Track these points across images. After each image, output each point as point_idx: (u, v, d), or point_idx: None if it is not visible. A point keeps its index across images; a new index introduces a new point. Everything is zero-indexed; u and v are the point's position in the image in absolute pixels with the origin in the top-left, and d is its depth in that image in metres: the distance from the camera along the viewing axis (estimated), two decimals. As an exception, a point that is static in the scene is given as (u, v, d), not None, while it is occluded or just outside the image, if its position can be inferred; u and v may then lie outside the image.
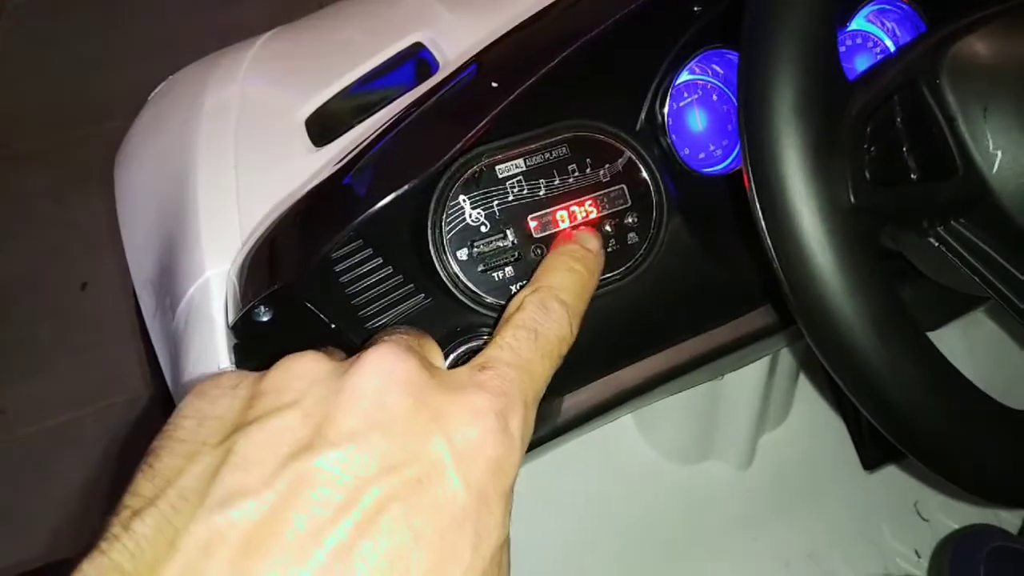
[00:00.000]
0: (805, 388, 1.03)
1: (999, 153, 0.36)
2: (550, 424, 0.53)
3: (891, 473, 1.02)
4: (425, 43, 0.76)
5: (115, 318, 1.49)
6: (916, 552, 0.97)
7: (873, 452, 1.01)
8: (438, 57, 0.74)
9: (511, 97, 0.50)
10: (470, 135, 0.48)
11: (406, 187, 0.47)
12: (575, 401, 0.53)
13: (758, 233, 0.37)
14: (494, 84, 0.52)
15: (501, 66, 0.54)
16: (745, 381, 0.89)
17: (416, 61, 0.75)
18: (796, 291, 0.35)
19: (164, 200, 0.68)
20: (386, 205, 0.48)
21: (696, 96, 0.60)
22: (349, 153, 0.52)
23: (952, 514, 0.98)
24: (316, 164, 0.62)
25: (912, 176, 0.36)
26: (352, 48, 0.80)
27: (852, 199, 0.33)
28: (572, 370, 0.52)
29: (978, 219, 0.37)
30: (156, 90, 0.84)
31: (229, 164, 0.65)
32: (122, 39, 2.07)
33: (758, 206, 0.35)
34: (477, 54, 0.57)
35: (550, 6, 0.61)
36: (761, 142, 0.34)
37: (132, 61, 1.94)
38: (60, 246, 1.67)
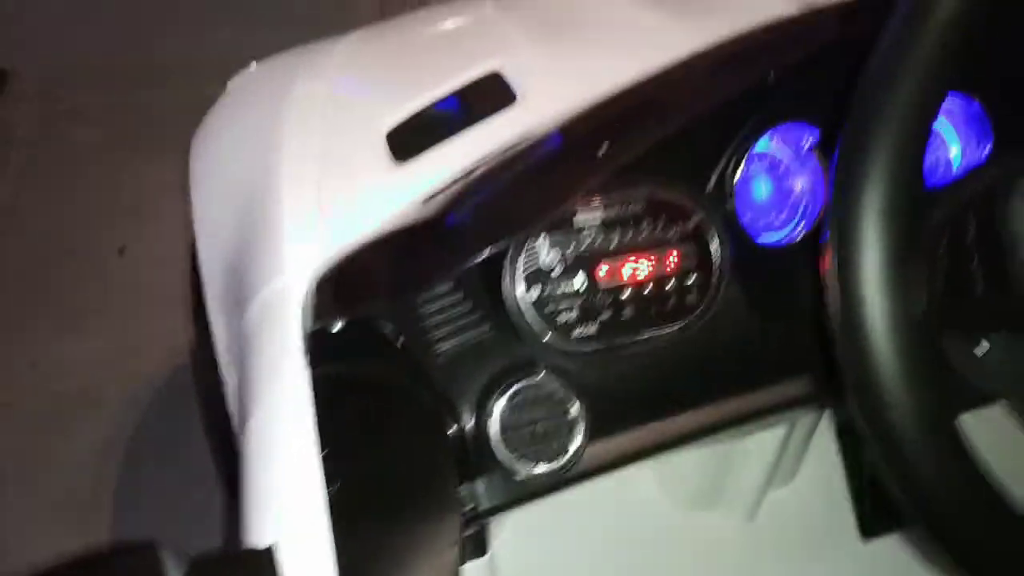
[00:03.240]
0: (814, 448, 1.05)
1: None
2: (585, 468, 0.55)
3: (890, 543, 1.03)
4: (503, 73, 0.78)
5: (149, 287, 1.51)
6: (910, 624, 0.99)
7: (872, 520, 1.03)
8: (514, 88, 0.76)
9: (602, 162, 0.53)
10: (564, 198, 0.51)
11: (503, 243, 0.50)
12: (609, 446, 0.55)
13: (829, 333, 0.39)
14: (591, 152, 0.54)
15: (592, 133, 0.57)
16: (764, 436, 0.91)
17: (494, 89, 0.77)
18: (860, 392, 0.37)
19: (244, 189, 0.70)
20: None
21: (765, 166, 0.63)
22: (441, 191, 0.55)
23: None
24: (397, 180, 0.64)
25: (978, 289, 0.38)
26: (434, 64, 0.82)
27: (925, 309, 0.36)
28: (619, 413, 0.55)
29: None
30: (235, 79, 0.87)
31: (314, 166, 0.67)
32: (189, 4, 2.09)
33: (839, 312, 0.37)
34: (570, 121, 0.59)
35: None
36: (847, 248, 0.36)
37: (197, 26, 1.97)
38: (103, 207, 1.69)
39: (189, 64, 1.75)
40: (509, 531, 0.97)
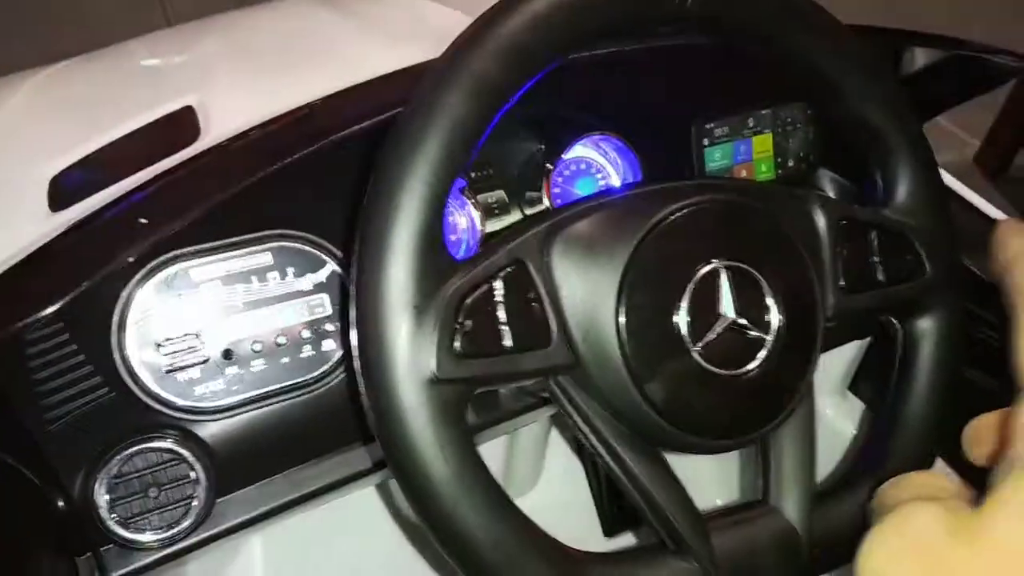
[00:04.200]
0: (555, 455, 1.10)
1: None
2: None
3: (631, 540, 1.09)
4: (195, 107, 0.77)
5: None
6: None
7: (614, 520, 1.09)
8: (202, 125, 0.74)
9: (212, 202, 0.53)
10: (160, 238, 0.51)
11: (84, 287, 0.49)
12: (260, 494, 0.56)
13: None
14: (203, 186, 0.54)
15: (217, 169, 0.56)
16: (486, 448, 0.93)
17: (180, 127, 0.75)
18: (385, 445, 0.39)
19: None
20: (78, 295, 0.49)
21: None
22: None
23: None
24: (51, 231, 0.62)
25: (508, 346, 0.41)
26: (124, 100, 0.80)
27: (437, 373, 0.38)
28: (251, 467, 0.56)
29: (573, 381, 0.43)
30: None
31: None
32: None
33: (359, 366, 0.39)
34: (204, 152, 0.59)
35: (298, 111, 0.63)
36: (366, 308, 0.38)
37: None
38: None
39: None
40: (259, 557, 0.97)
